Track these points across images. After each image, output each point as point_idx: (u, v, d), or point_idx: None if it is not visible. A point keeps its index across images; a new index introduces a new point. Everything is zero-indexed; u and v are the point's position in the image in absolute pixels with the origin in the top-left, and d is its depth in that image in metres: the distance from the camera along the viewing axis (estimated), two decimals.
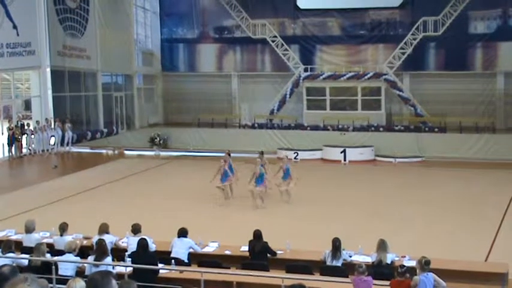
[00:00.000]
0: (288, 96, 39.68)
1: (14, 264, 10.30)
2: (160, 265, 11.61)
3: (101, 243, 11.56)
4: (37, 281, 4.69)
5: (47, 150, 31.80)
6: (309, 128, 36.14)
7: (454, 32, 37.34)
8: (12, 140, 30.17)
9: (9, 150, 30.28)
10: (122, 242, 13.05)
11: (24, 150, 31.15)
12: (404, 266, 10.20)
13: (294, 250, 12.94)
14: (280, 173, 20.49)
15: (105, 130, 36.84)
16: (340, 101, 38.57)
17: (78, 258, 11.60)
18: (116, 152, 33.19)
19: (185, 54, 43.18)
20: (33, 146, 31.48)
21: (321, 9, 40.11)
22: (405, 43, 38.00)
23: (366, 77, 37.81)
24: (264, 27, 40.30)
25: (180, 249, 12.48)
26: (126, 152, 33.23)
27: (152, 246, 12.27)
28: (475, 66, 37.96)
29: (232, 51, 42.25)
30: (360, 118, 36.51)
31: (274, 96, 40.07)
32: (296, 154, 31.46)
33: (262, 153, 21.98)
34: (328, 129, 35.49)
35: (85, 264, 11.42)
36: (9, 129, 30.27)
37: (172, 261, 11.94)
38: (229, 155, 21.50)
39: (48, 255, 11.61)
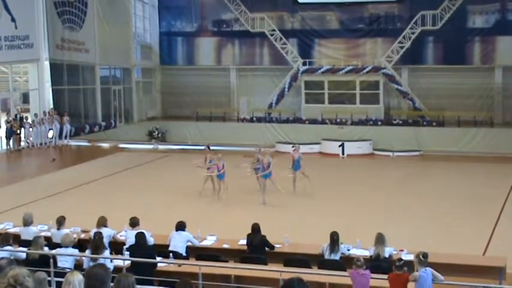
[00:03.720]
0: (286, 89, 39.64)
1: (12, 258, 10.33)
2: (158, 258, 11.62)
3: (95, 239, 11.53)
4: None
5: (45, 143, 31.80)
6: (307, 122, 36.15)
7: (452, 26, 37.31)
8: (10, 133, 30.17)
9: (7, 143, 30.30)
10: (120, 236, 13.06)
11: (22, 144, 31.16)
12: (401, 259, 10.21)
13: (292, 244, 12.94)
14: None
15: (103, 123, 36.82)
16: (339, 94, 38.51)
17: (76, 251, 11.61)
18: (118, 145, 33.16)
19: (184, 47, 43.13)
20: (31, 139, 31.47)
21: (320, 3, 40.09)
22: (403, 37, 37.96)
23: (364, 71, 37.78)
24: (263, 20, 40.24)
25: (178, 242, 12.48)
26: (124, 146, 33.20)
27: (150, 240, 12.27)
28: (473, 60, 37.94)
29: (231, 44, 42.20)
30: (358, 112, 36.48)
31: (272, 89, 40.03)
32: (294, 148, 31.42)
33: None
34: (326, 123, 35.51)
35: (83, 258, 11.42)
36: (7, 122, 30.27)
37: (171, 254, 11.96)
38: (208, 148, 21.37)
39: (46, 249, 11.60)
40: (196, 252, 12.41)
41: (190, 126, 36.48)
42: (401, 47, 38.07)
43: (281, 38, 39.86)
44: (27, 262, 10.79)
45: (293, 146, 22.39)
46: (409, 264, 10.22)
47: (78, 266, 11.08)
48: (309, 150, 31.20)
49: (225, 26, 42.22)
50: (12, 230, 13.74)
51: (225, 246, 13.01)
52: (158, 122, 37.53)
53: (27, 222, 13.13)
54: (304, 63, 39.34)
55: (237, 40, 41.94)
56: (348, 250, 12.25)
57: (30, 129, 31.42)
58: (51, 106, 33.37)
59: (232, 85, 41.92)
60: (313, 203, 19.55)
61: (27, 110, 34.80)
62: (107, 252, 11.31)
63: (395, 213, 18.27)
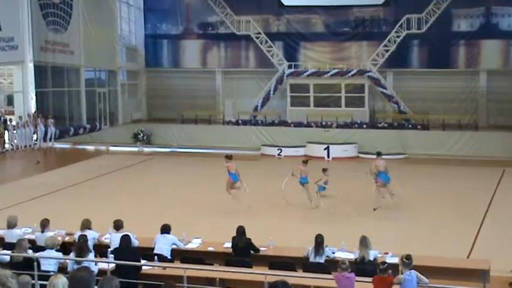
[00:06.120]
0: (271, 92, 39.64)
1: None
2: (143, 261, 11.58)
3: (79, 241, 11.47)
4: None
5: (30, 145, 31.64)
6: (292, 125, 36.15)
7: (437, 29, 37.45)
8: None
9: None
10: (105, 238, 13.01)
11: (6, 146, 31.00)
12: (385, 262, 10.24)
13: (277, 247, 12.95)
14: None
15: (88, 126, 36.65)
16: (324, 97, 38.53)
17: (60, 254, 11.54)
18: (103, 147, 33.04)
19: (169, 50, 43.04)
20: (15, 141, 31.33)
21: (305, 6, 40.09)
22: (389, 40, 38.08)
23: (349, 74, 37.84)
24: (248, 23, 40.24)
25: (163, 245, 12.46)
26: (109, 148, 33.11)
27: (135, 242, 12.23)
28: (458, 64, 38.10)
29: (216, 47, 42.16)
30: (343, 115, 36.53)
31: (258, 92, 40.02)
32: (280, 151, 31.51)
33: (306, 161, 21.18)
34: (311, 126, 35.54)
35: (67, 260, 11.37)
36: None
37: (155, 257, 11.93)
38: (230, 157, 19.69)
39: (30, 251, 11.54)
40: (181, 255, 12.39)
41: (176, 128, 36.40)
42: (387, 51, 38.17)
43: (267, 41, 39.89)
44: (11, 265, 10.72)
45: (377, 156, 20.83)
46: (394, 267, 10.25)
47: (62, 269, 11.02)
48: (295, 153, 31.31)
49: (211, 29, 42.17)
50: None
51: (210, 249, 13.00)
52: (143, 125, 37.45)
53: (11, 225, 13.06)
54: (289, 66, 39.37)
55: (223, 43, 41.91)
56: (333, 253, 12.27)
57: (15, 131, 31.28)
58: (34, 109, 33.22)
59: (218, 88, 41.87)
60: (298, 206, 19.54)
61: (12, 112, 34.61)
62: (91, 255, 11.27)
63: (380, 216, 18.31)
